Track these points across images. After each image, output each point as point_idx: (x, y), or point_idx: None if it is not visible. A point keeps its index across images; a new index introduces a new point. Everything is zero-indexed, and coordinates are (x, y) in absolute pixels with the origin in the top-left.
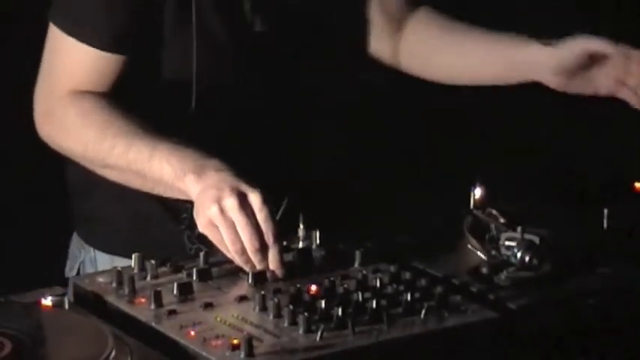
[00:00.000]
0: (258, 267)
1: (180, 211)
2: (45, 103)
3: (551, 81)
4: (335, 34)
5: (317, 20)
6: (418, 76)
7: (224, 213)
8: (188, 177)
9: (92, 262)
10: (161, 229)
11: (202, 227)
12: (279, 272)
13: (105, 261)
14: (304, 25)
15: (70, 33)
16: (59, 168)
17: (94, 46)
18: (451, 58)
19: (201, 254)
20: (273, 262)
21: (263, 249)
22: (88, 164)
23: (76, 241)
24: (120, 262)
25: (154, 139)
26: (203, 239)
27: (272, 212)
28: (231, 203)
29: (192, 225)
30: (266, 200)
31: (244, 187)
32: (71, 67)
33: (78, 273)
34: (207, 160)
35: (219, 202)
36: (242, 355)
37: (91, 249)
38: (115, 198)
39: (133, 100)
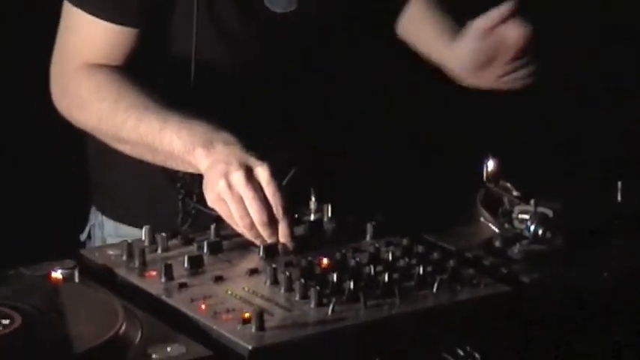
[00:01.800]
0: (268, 241)
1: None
2: (60, 78)
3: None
4: (345, 19)
5: (329, 5)
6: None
7: (232, 187)
8: (197, 151)
9: (100, 227)
10: (165, 199)
11: (211, 202)
12: (289, 245)
13: (110, 227)
14: (317, 10)
15: (81, 6)
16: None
17: (103, 19)
18: (415, 33)
19: (212, 227)
20: (283, 235)
21: (272, 223)
22: (102, 137)
23: (93, 205)
24: (123, 230)
25: (165, 112)
26: (203, 204)
27: (280, 186)
28: (238, 177)
29: (189, 193)
30: (274, 174)
31: (252, 161)
32: (83, 41)
33: (89, 236)
34: (216, 133)
35: (226, 176)
36: (253, 329)
37: (99, 213)
38: (124, 167)
39: (137, 74)
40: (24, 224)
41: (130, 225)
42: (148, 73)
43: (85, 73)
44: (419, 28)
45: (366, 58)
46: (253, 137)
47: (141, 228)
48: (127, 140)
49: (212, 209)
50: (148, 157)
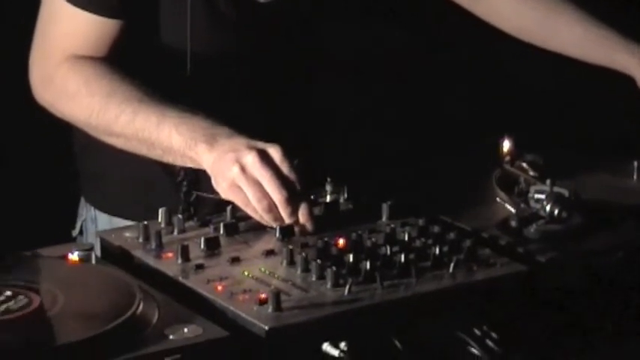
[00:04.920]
0: (287, 221)
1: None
2: (42, 69)
3: None
4: (329, 7)
5: None
6: (499, 28)
7: (246, 171)
8: (199, 146)
9: (93, 221)
10: (160, 192)
11: (225, 192)
12: (309, 225)
13: (104, 220)
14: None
15: None
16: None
17: (89, 11)
18: (541, 29)
19: (228, 208)
20: (303, 214)
21: (293, 199)
22: (91, 131)
23: (82, 200)
24: (118, 223)
25: (161, 105)
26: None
27: (294, 165)
28: (251, 160)
29: (192, 184)
30: (286, 153)
31: (261, 144)
32: (67, 32)
33: (81, 232)
34: (217, 128)
35: (239, 161)
36: (270, 310)
37: (92, 208)
38: (114, 159)
39: (129, 65)
40: (10, 220)
41: (124, 218)
42: (142, 62)
43: (72, 66)
44: (543, 22)
45: (366, 43)
46: (251, 126)
47: (136, 220)
48: (120, 134)
49: (214, 193)
50: (143, 151)
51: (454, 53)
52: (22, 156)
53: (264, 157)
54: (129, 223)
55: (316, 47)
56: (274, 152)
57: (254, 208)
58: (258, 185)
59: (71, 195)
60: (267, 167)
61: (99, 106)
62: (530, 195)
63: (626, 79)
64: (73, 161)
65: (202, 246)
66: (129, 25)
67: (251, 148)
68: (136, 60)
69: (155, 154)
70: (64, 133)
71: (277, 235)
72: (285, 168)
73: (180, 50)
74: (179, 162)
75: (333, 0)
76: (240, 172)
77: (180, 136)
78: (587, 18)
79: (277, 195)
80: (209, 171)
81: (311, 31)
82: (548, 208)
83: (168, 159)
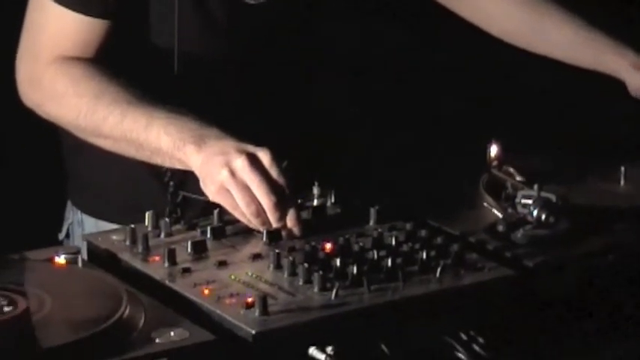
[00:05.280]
0: (275, 225)
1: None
2: (29, 70)
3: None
4: (327, 8)
5: None
6: (485, 31)
7: (235, 175)
8: (188, 147)
9: (80, 224)
10: (147, 196)
11: (213, 195)
12: (296, 230)
13: (90, 224)
14: (288, 2)
15: None
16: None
17: (77, 11)
18: (530, 31)
19: (215, 212)
20: (291, 219)
21: (281, 204)
22: (79, 133)
23: (69, 203)
24: (104, 226)
25: (150, 107)
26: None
27: (282, 169)
28: (241, 164)
29: (179, 186)
30: (275, 157)
31: (250, 148)
32: (55, 33)
33: (67, 235)
34: (206, 129)
35: (228, 165)
36: (256, 313)
37: (78, 211)
38: (101, 162)
39: (118, 66)
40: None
41: (110, 221)
42: (131, 64)
43: (60, 67)
44: (529, 24)
45: (365, 43)
46: (241, 128)
47: (123, 223)
48: (109, 136)
49: (202, 194)
50: (132, 152)
51: (453, 53)
52: (8, 159)
53: (254, 162)
54: (115, 226)
55: (310, 47)
56: (263, 156)
57: (242, 211)
58: (247, 189)
59: (58, 198)
60: (257, 172)
61: (87, 107)
62: (517, 200)
63: (615, 83)
64: (60, 164)
65: (189, 249)
66: (118, 26)
67: (240, 151)
68: (125, 61)
69: (144, 156)
70: (51, 136)
71: (264, 238)
72: (274, 172)
73: (170, 51)
74: (167, 163)
75: (325, 0)
76: (229, 175)
77: (169, 136)
78: (575, 20)
79: (266, 200)
80: (197, 173)
81: (305, 31)
82: (535, 213)
83: (157, 160)
